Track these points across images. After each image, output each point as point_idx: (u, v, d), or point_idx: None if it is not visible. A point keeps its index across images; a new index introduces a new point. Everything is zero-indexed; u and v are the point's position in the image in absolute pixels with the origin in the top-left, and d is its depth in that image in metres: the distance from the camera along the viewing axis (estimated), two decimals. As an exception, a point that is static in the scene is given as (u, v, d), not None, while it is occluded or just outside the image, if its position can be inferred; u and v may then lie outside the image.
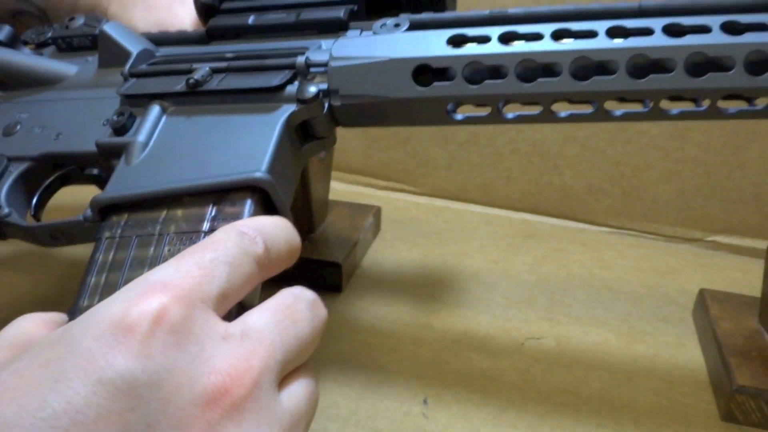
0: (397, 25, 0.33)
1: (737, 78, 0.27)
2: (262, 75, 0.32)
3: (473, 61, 0.30)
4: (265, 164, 0.29)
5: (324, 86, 0.32)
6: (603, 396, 0.39)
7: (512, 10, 0.32)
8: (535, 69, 0.30)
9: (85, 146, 0.33)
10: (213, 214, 0.28)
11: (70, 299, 0.27)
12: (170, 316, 0.20)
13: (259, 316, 0.23)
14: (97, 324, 0.20)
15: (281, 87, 0.31)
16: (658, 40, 0.28)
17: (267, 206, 0.29)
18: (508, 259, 0.56)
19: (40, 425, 0.17)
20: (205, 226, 0.27)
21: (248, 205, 0.28)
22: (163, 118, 0.32)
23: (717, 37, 0.28)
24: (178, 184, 0.29)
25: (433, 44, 0.31)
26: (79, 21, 0.39)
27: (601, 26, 0.29)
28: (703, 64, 0.28)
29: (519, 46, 0.30)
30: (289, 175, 0.31)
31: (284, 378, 0.23)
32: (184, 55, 0.36)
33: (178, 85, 0.32)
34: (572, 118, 0.31)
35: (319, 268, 0.49)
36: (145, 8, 0.43)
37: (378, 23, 0.33)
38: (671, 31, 0.28)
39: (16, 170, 0.34)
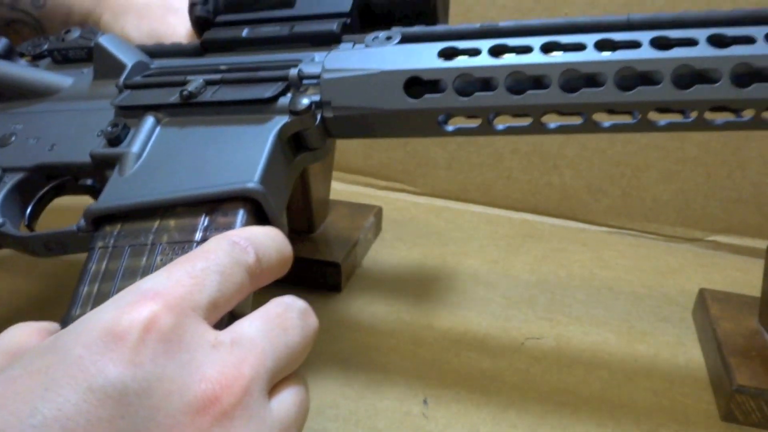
0: (389, 38, 0.33)
1: (724, 90, 0.28)
2: (256, 87, 0.32)
3: (464, 74, 0.30)
4: (257, 175, 0.29)
5: (316, 98, 0.32)
6: (603, 396, 0.39)
7: (503, 24, 0.32)
8: (525, 81, 0.30)
9: (79, 157, 0.34)
10: (205, 224, 0.28)
11: (67, 299, 0.27)
12: (161, 324, 0.20)
13: (250, 325, 0.23)
14: (88, 332, 0.20)
15: (274, 99, 0.32)
16: (646, 52, 0.29)
17: (259, 217, 0.29)
18: (508, 259, 0.56)
19: None
20: (198, 236, 0.28)
21: (240, 215, 0.28)
22: (157, 129, 0.33)
23: (704, 50, 0.28)
24: (171, 195, 0.29)
25: (424, 57, 0.31)
26: (75, 33, 0.40)
27: (589, 39, 0.30)
28: (690, 76, 0.28)
29: (509, 59, 0.30)
30: (281, 185, 0.31)
31: (275, 386, 0.23)
32: (179, 67, 0.37)
33: (172, 96, 0.33)
34: (562, 130, 0.31)
35: (319, 268, 0.49)
36: (138, 17, 0.43)
37: (370, 36, 0.34)
38: (659, 44, 0.29)
39: (10, 181, 0.35)
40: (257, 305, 0.25)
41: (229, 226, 0.28)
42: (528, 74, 0.30)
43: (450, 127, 0.32)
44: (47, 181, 0.35)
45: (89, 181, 0.35)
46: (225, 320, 0.24)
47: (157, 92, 0.34)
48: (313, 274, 0.49)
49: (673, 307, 0.49)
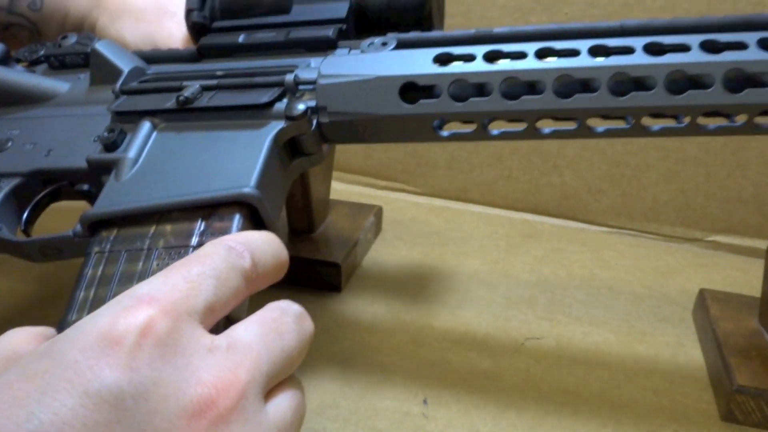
0: (384, 44, 0.33)
1: (716, 95, 0.28)
2: (252, 92, 0.33)
3: (459, 79, 0.31)
4: (253, 180, 0.29)
5: (312, 103, 0.32)
6: (603, 396, 0.39)
7: (497, 30, 0.32)
8: (520, 87, 0.30)
9: (75, 162, 0.34)
10: (202, 229, 0.28)
11: (65, 300, 0.27)
12: (157, 328, 0.20)
13: (246, 329, 0.23)
14: (84, 337, 0.20)
15: (270, 104, 0.32)
16: (639, 58, 0.29)
17: (255, 221, 0.30)
18: (508, 259, 0.56)
19: None
20: (194, 240, 0.28)
21: (236, 220, 0.28)
22: (154, 135, 0.33)
23: (696, 56, 0.28)
24: (168, 200, 0.29)
25: (419, 62, 0.31)
26: (72, 39, 0.40)
27: (583, 45, 0.30)
28: (683, 81, 0.28)
29: (503, 65, 0.31)
30: (277, 190, 0.31)
31: (270, 390, 0.23)
32: (175, 73, 0.37)
33: (169, 102, 0.33)
34: (556, 135, 0.31)
35: (319, 268, 0.49)
36: (134, 21, 0.44)
37: (366, 42, 0.34)
38: (652, 49, 0.29)
39: (6, 186, 0.35)
40: (254, 308, 0.25)
41: (225, 231, 0.28)
42: (522, 80, 0.30)
43: (445, 133, 0.33)
44: (44, 186, 0.36)
45: (86, 187, 0.35)
46: (221, 325, 0.24)
47: (153, 98, 0.34)
48: (313, 274, 0.49)
49: (673, 307, 0.49)
